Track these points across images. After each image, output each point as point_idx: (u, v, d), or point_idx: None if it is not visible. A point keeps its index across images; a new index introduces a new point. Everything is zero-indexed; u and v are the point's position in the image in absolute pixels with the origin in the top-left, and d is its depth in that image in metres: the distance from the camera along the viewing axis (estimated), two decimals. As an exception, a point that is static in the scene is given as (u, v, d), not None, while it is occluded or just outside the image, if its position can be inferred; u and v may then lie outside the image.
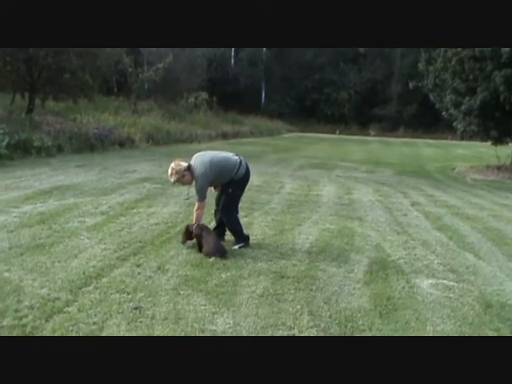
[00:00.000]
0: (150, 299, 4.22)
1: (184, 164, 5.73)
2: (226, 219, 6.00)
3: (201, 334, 3.64)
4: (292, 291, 4.63)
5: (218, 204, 6.14)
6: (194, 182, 5.78)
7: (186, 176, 5.72)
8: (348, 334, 3.84)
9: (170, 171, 5.76)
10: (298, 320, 4.01)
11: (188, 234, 5.80)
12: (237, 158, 5.93)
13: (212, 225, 6.40)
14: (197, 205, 5.79)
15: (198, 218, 5.79)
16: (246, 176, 5.97)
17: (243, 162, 5.92)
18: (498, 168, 18.71)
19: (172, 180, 5.78)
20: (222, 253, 5.46)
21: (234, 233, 6.03)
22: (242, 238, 5.98)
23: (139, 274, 4.82)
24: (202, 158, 5.83)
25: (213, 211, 6.32)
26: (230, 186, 5.88)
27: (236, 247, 5.86)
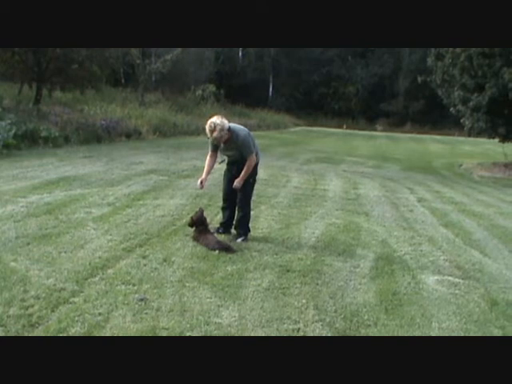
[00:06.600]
0: (155, 291, 4.22)
1: (227, 123, 5.70)
2: (247, 209, 6.05)
3: (206, 327, 3.64)
4: (297, 285, 4.62)
5: (225, 200, 6.15)
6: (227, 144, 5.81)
7: (225, 136, 5.69)
8: (353, 328, 3.84)
9: (211, 126, 5.60)
10: (303, 314, 4.01)
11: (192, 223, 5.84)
12: None
13: (218, 217, 6.41)
14: (250, 160, 5.82)
15: (250, 168, 5.83)
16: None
17: None
18: (505, 165, 18.63)
19: (212, 135, 5.63)
20: (223, 247, 5.45)
21: (242, 222, 6.02)
22: (245, 230, 6.00)
23: (145, 265, 4.82)
24: (238, 125, 6.03)
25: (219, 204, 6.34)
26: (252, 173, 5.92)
27: (239, 240, 5.85)
